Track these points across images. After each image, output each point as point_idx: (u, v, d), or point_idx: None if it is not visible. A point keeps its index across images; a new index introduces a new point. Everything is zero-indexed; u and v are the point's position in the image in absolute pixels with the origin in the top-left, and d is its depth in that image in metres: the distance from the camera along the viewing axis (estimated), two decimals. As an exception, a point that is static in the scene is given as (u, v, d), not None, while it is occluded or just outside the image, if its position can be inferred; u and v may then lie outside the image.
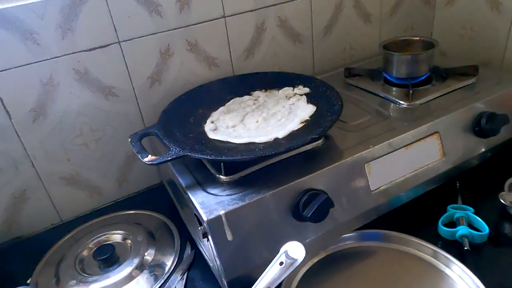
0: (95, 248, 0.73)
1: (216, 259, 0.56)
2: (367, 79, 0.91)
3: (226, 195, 0.59)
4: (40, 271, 0.72)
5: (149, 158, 0.61)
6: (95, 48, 0.73)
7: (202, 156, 0.60)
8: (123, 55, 0.76)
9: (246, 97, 0.81)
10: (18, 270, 0.73)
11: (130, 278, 0.67)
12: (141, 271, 0.69)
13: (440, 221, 0.67)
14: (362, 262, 0.64)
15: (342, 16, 0.99)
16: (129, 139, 0.66)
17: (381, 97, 0.83)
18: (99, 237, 0.76)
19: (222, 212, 0.55)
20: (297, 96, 0.77)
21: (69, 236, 0.79)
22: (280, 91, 0.81)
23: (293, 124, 0.68)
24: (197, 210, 0.57)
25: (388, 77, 0.88)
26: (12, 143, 0.73)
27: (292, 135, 0.66)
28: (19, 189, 0.77)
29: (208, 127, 0.72)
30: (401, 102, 0.79)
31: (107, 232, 0.77)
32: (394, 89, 0.85)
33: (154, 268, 0.69)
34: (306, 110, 0.72)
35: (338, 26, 0.99)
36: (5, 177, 0.75)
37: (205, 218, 0.55)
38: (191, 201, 0.60)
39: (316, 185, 0.61)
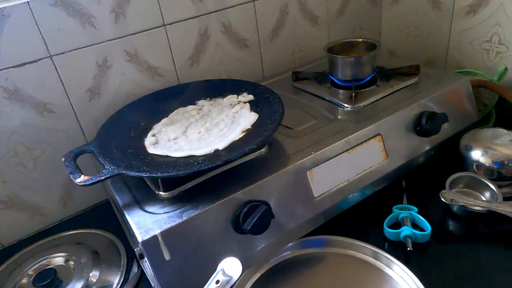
0: (34, 275, 0.69)
1: (155, 279, 0.54)
2: (313, 82, 0.91)
3: (164, 212, 0.57)
4: (-22, 302, 0.68)
5: (81, 179, 0.58)
6: (24, 64, 0.69)
7: (137, 173, 0.58)
8: (56, 69, 0.73)
9: (190, 107, 0.79)
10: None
11: (74, 302, 0.64)
12: (86, 294, 0.66)
13: (385, 223, 0.68)
14: (307, 269, 0.64)
15: (289, 20, 0.99)
16: (63, 159, 0.63)
17: (327, 100, 0.83)
18: (39, 262, 0.73)
19: (157, 232, 0.53)
20: (241, 104, 0.76)
21: (10, 262, 0.75)
22: (225, 99, 0.79)
23: (235, 133, 0.67)
24: (132, 231, 0.55)
25: (334, 79, 0.88)
26: None
27: (233, 146, 0.64)
28: (-49, 216, 0.72)
29: (148, 141, 0.70)
30: (346, 105, 0.79)
31: (48, 256, 0.73)
32: (340, 91, 0.85)
33: (99, 290, 0.67)
34: (248, 119, 0.71)
35: (285, 29, 0.99)
36: None
37: (140, 239, 0.53)
38: (127, 221, 0.58)
39: (258, 196, 0.60)
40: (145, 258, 0.54)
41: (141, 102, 0.80)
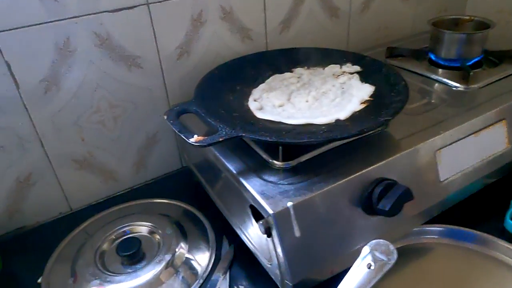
0: (118, 241, 0.63)
1: (281, 258, 0.48)
2: (411, 60, 0.83)
3: (288, 183, 0.51)
4: (52, 268, 0.62)
5: (195, 138, 0.51)
6: (120, 9, 0.62)
7: (260, 137, 0.51)
8: (151, 19, 0.65)
9: (287, 74, 0.72)
10: (24, 267, 0.63)
11: (164, 277, 0.58)
12: (175, 269, 0.60)
13: (508, 215, 0.61)
14: (424, 259, 0.58)
15: (381, -8, 0.91)
16: (165, 117, 0.56)
17: (432, 79, 0.76)
18: (121, 228, 0.66)
19: (290, 204, 0.47)
20: (347, 75, 0.69)
21: (82, 228, 0.69)
22: (326, 68, 0.72)
23: (352, 104, 0.60)
24: (257, 201, 0.49)
25: (434, 58, 0.80)
26: (19, 118, 0.61)
27: (355, 117, 0.58)
28: (25, 172, 0.66)
29: (253, 105, 0.63)
30: (457, 85, 0.72)
31: (131, 223, 0.67)
32: (442, 71, 0.78)
33: (189, 266, 0.61)
34: (363, 90, 0.63)
35: (376, 2, 0.91)
36: (9, 157, 0.63)
37: (270, 211, 0.46)
38: (246, 190, 0.51)
39: (386, 174, 0.53)
40: (273, 233, 0.47)
41: (232, 65, 0.72)
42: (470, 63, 0.76)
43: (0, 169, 0.63)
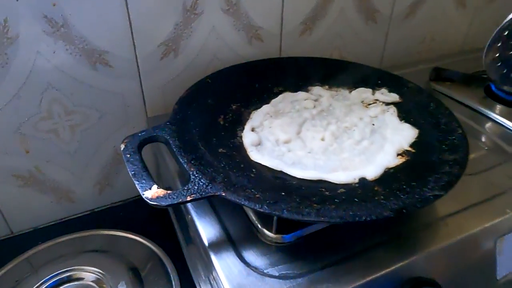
0: (52, 296, 0.48)
1: None
2: (462, 87, 0.65)
3: (280, 276, 0.34)
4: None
5: (153, 192, 0.35)
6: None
7: (248, 204, 0.34)
8: (127, 5, 0.49)
9: (301, 94, 0.55)
10: None
11: None
12: None
13: None
14: None
15: (433, -6, 0.72)
16: (123, 146, 0.40)
17: (490, 118, 0.58)
18: (61, 273, 0.51)
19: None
20: (380, 105, 0.52)
21: (22, 259, 0.55)
22: (353, 92, 0.55)
23: (385, 155, 0.43)
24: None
25: (495, 89, 0.62)
26: None
27: (388, 177, 0.41)
28: None
29: (248, 138, 0.46)
30: (526, 133, 0.54)
31: (75, 268, 0.52)
32: (504, 108, 0.60)
33: None
34: (401, 133, 0.46)
35: (425, 7, 0.72)
36: None
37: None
38: (216, 277, 0.35)
39: (424, 271, 0.37)
40: None
41: (231, 73, 0.56)
42: (543, 103, 0.58)
43: None
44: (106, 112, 0.55)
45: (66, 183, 0.58)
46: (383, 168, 0.41)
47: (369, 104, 0.52)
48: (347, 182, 0.40)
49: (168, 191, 0.35)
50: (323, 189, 0.38)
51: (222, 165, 0.40)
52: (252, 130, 0.48)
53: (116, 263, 0.53)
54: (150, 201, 0.34)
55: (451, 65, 0.72)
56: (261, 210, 0.34)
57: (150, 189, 0.35)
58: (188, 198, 0.34)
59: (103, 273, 0.51)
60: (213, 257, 0.36)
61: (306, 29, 0.63)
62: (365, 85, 0.55)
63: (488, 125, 0.57)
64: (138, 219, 0.61)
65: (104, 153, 0.58)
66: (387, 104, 0.52)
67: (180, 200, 0.34)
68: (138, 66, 0.53)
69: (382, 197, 0.37)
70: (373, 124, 0.49)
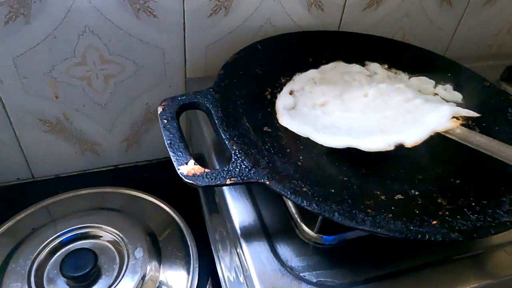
0: (64, 254, 0.46)
1: None
2: (538, 93, 0.57)
3: (317, 281, 0.31)
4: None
5: (189, 168, 0.31)
6: None
7: (294, 198, 0.30)
8: None
9: (355, 67, 0.49)
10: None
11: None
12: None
13: None
14: None
15: (521, -19, 0.63)
16: (160, 109, 0.36)
17: None
18: (80, 228, 0.49)
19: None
20: (440, 100, 0.45)
21: (41, 207, 0.53)
22: (413, 78, 0.49)
23: (438, 116, 0.39)
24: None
25: None
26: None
27: (454, 188, 0.35)
28: (-29, 121, 0.48)
29: (282, 100, 0.41)
30: None
31: (94, 225, 0.49)
32: None
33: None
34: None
35: (510, -6, 0.64)
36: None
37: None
38: (248, 271, 0.31)
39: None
40: None
41: (285, 41, 0.50)
42: None
43: None
44: (144, 66, 0.50)
45: (93, 134, 0.55)
46: (429, 132, 0.36)
47: (426, 95, 0.46)
48: (378, 149, 0.35)
49: (206, 170, 0.31)
50: (378, 193, 0.33)
51: (267, 146, 0.36)
52: (291, 93, 0.43)
53: (134, 226, 0.51)
54: (185, 178, 0.30)
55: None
56: (309, 208, 0.29)
57: (186, 164, 0.31)
58: (228, 182, 0.30)
59: (121, 235, 0.49)
60: (245, 248, 0.33)
61: (372, 3, 0.56)
62: (426, 72, 0.49)
63: None
64: (161, 182, 0.59)
65: (135, 109, 0.54)
66: (448, 101, 0.45)
67: (219, 182, 0.30)
68: (184, 20, 0.48)
69: (447, 212, 0.32)
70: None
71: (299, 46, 0.50)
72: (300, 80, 0.46)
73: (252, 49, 0.47)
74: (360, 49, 0.52)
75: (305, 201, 0.30)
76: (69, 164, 0.57)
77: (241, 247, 0.33)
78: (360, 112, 0.40)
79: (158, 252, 0.49)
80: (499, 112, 0.43)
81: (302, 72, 0.47)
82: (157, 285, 0.46)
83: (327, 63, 0.50)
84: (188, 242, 0.51)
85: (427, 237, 0.28)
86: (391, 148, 0.36)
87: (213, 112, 0.37)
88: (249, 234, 0.34)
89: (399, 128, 0.37)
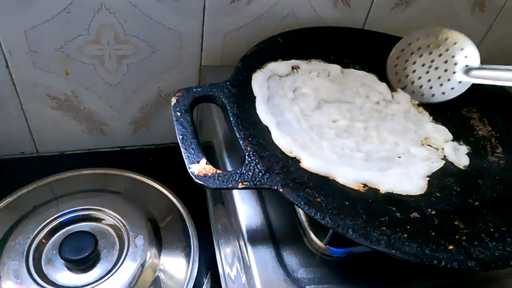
0: (63, 236, 0.45)
1: None
2: None
3: (322, 296, 0.30)
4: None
5: (201, 167, 0.30)
6: None
7: (307, 210, 0.29)
8: None
9: (382, 86, 0.47)
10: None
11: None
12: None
13: None
14: None
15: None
16: (174, 101, 0.35)
17: None
18: (82, 210, 0.48)
19: None
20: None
21: (44, 184, 0.52)
22: (431, 124, 0.45)
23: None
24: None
25: None
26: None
27: (472, 211, 0.34)
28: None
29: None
30: None
31: (96, 208, 0.48)
32: None
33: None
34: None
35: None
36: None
37: None
38: (252, 277, 0.30)
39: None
40: None
41: (307, 36, 0.48)
42: None
43: None
44: (159, 49, 0.49)
45: (101, 114, 0.54)
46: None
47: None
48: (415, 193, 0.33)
49: (218, 171, 0.30)
50: (394, 209, 0.32)
51: (282, 150, 0.34)
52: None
53: (136, 212, 0.50)
54: (196, 178, 0.29)
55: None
56: (323, 222, 0.28)
57: (198, 162, 0.30)
58: (240, 186, 0.29)
59: (123, 221, 0.48)
60: (250, 253, 0.32)
61: (402, 2, 0.53)
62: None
63: None
64: (167, 168, 0.57)
65: (147, 92, 0.53)
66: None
67: (230, 185, 0.29)
68: (204, 4, 0.46)
69: (464, 237, 0.30)
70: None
71: (322, 41, 0.48)
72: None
73: (273, 41, 0.45)
74: (384, 52, 0.49)
75: (319, 214, 0.28)
76: (75, 142, 0.56)
77: (246, 250, 0.32)
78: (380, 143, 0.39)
79: (159, 240, 0.49)
80: None
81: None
82: (156, 273, 0.45)
83: (349, 63, 0.48)
84: (190, 233, 0.50)
85: (443, 263, 0.27)
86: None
87: (229, 108, 0.35)
88: (255, 238, 0.33)
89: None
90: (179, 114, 0.34)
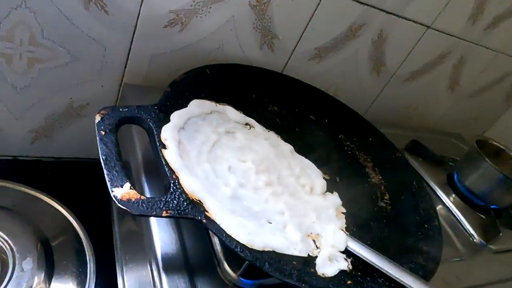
0: None
1: None
2: (433, 168, 0.67)
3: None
4: None
5: (125, 191, 0.29)
6: None
7: (229, 242, 0.30)
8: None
9: (286, 146, 0.50)
10: None
11: None
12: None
13: None
14: None
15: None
16: (98, 118, 0.33)
17: (447, 206, 0.61)
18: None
19: None
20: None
21: None
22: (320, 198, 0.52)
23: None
24: None
25: (457, 181, 0.65)
26: None
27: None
28: None
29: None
30: (474, 235, 0.57)
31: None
32: (459, 201, 0.63)
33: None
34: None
35: (424, 78, 0.73)
36: None
37: None
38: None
39: None
40: None
41: (233, 72, 0.50)
42: (494, 206, 0.62)
43: None
44: (79, 59, 0.46)
45: (-5, 116, 0.48)
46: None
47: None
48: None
49: (142, 197, 0.29)
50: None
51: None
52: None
53: (25, 231, 0.45)
54: (119, 202, 0.28)
55: (427, 138, 0.73)
56: (242, 255, 0.29)
57: (121, 186, 0.29)
58: (164, 214, 0.29)
59: (9, 241, 0.43)
60: (164, 280, 0.31)
61: (317, 56, 0.60)
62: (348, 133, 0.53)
63: (447, 211, 0.60)
64: (66, 183, 0.53)
65: (56, 101, 0.49)
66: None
67: (154, 213, 0.29)
68: (137, 23, 0.46)
69: (359, 273, 0.34)
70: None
71: (245, 79, 0.51)
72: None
73: (201, 71, 0.46)
74: (299, 97, 0.54)
75: (239, 247, 0.30)
76: (-45, 145, 0.48)
77: (160, 278, 0.31)
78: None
79: (50, 263, 0.44)
80: (406, 183, 0.49)
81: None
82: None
83: (268, 102, 0.52)
84: (87, 256, 0.47)
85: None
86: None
87: (155, 133, 0.35)
88: (170, 265, 0.33)
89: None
90: (103, 133, 0.32)
